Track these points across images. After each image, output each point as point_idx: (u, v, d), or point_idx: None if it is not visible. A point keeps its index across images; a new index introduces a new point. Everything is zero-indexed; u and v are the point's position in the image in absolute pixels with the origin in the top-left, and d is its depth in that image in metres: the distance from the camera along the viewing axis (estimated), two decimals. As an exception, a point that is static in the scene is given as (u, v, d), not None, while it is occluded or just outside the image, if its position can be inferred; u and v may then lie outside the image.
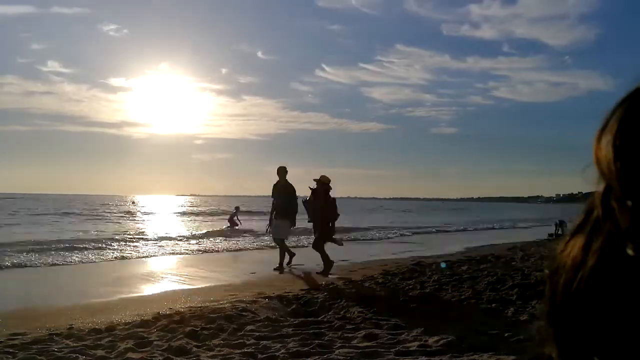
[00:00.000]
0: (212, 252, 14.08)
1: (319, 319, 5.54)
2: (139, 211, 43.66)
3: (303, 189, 9.92)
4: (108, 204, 58.73)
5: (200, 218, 33.35)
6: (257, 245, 15.98)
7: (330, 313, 5.74)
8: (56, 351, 4.28)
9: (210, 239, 17.54)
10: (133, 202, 75.91)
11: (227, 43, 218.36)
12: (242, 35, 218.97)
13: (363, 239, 18.72)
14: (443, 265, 8.75)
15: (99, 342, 4.63)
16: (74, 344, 4.55)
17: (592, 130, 0.37)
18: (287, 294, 7.16)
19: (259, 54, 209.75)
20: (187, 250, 14.30)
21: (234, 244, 16.13)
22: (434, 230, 25.38)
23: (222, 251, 14.35)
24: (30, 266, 10.32)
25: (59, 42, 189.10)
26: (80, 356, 4.16)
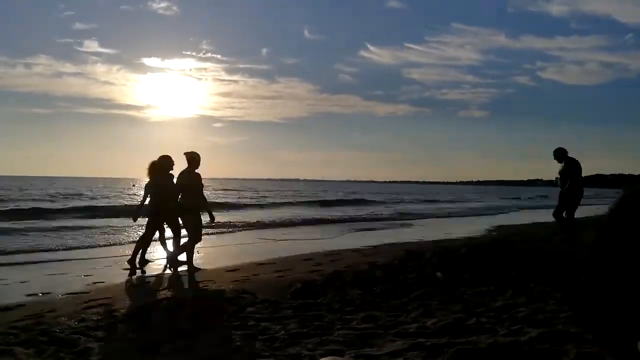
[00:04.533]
0: (210, 234, 14.12)
1: (319, 301, 5.58)
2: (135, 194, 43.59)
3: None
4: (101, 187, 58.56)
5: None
6: (256, 226, 16.04)
7: (329, 295, 5.78)
8: (58, 332, 4.32)
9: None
10: (133, 185, 76.04)
11: (274, 21, 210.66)
12: (291, 13, 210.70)
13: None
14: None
15: (100, 324, 4.67)
16: (76, 325, 4.59)
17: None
18: (286, 276, 7.21)
19: (306, 32, 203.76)
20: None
21: (231, 225, 16.17)
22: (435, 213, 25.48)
23: (220, 233, 14.38)
24: (32, 251, 10.38)
25: (103, 21, 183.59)
26: (82, 337, 4.20)
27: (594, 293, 0.31)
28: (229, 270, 7.95)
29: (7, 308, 5.45)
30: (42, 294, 6.30)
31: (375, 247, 11.03)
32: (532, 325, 4.22)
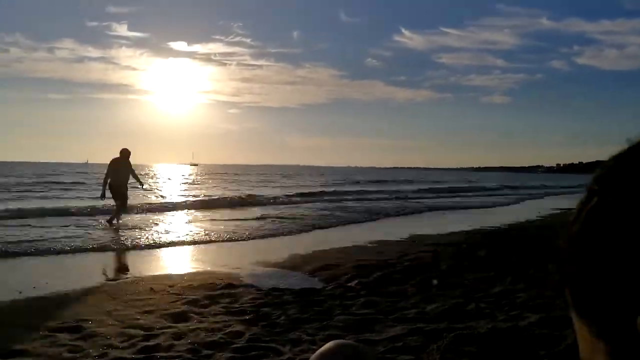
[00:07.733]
0: (212, 221, 14.14)
1: (319, 287, 5.60)
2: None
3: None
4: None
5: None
6: (257, 216, 16.07)
7: (330, 282, 5.80)
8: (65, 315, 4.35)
9: (209, 209, 17.60)
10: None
11: (309, 2, 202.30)
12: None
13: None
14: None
15: (100, 309, 4.70)
16: (81, 310, 4.62)
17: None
18: (287, 262, 7.23)
19: (342, 15, 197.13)
20: (186, 220, 14.36)
21: (235, 213, 16.20)
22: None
23: (223, 221, 14.40)
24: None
25: (137, 3, 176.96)
26: (84, 322, 4.23)
27: (588, 263, 0.31)
28: (229, 256, 7.98)
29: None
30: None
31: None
32: (531, 311, 4.25)
